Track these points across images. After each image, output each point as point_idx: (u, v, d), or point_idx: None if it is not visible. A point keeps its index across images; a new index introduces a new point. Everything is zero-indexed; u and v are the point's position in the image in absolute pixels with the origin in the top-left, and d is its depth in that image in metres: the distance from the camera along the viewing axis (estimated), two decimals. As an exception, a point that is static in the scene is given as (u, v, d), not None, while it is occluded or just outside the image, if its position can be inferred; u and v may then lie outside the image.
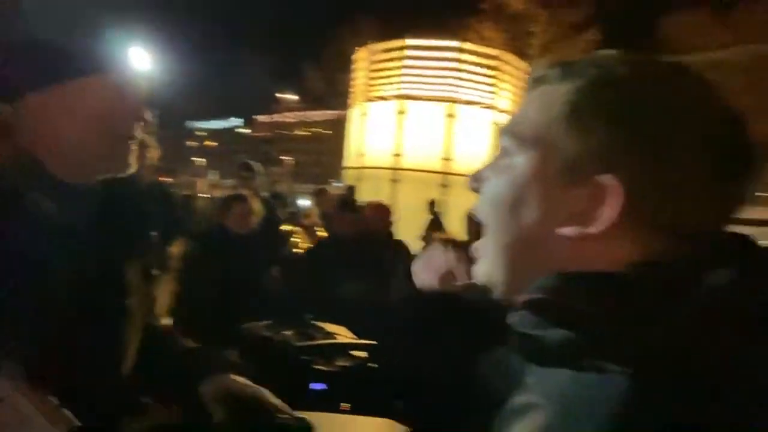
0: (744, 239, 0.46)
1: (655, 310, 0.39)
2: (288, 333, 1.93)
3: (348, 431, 1.23)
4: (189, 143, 67.74)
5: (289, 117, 61.57)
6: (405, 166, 8.54)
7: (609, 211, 0.45)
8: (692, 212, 0.45)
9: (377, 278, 3.02)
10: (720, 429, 0.37)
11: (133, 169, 1.00)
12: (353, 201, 4.15)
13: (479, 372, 1.04)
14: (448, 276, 1.11)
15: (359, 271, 3.06)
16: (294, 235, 4.54)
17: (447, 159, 8.40)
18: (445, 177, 8.36)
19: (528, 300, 0.46)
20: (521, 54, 17.03)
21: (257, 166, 4.51)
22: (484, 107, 8.75)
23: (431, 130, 8.54)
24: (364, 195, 7.12)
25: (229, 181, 10.70)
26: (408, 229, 5.25)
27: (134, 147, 0.98)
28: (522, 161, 0.50)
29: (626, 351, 0.40)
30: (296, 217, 5.19)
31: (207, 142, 69.55)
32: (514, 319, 0.47)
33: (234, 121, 72.04)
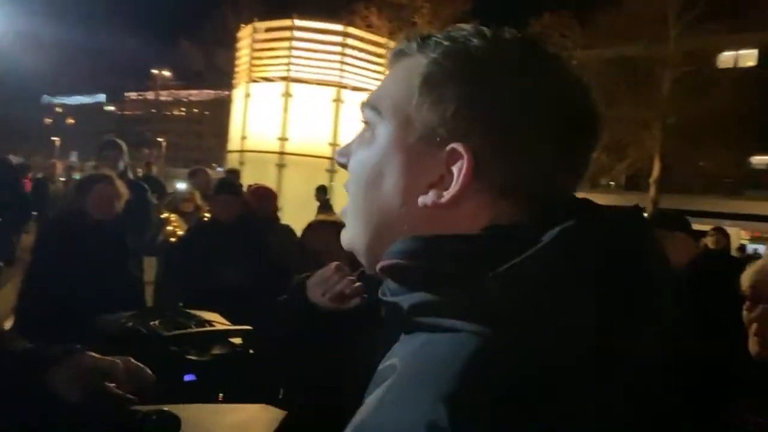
0: (588, 202, 0.49)
1: (501, 269, 0.40)
2: (156, 323, 1.75)
3: (222, 419, 1.17)
4: (46, 120, 60.50)
5: (163, 95, 57.37)
6: (291, 150, 8.33)
7: (460, 178, 0.46)
8: (539, 178, 0.47)
9: (259, 264, 2.89)
10: (567, 384, 0.38)
11: None
12: (234, 183, 3.90)
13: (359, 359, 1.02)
14: (338, 297, 1.18)
15: (239, 256, 2.89)
16: (172, 222, 4.18)
17: (335, 144, 8.32)
18: (333, 162, 8.28)
19: (383, 265, 0.48)
20: (406, 44, 17.47)
21: (123, 145, 4.05)
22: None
23: (318, 115, 8.41)
24: (249, 180, 6.83)
25: (92, 163, 9.69)
26: (297, 216, 5.11)
27: None
28: (382, 132, 0.51)
29: (476, 310, 0.41)
30: (174, 202, 4.78)
31: (70, 119, 62.56)
32: (381, 289, 0.50)
33: (100, 98, 65.52)
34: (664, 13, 19.68)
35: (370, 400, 0.45)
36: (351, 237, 0.54)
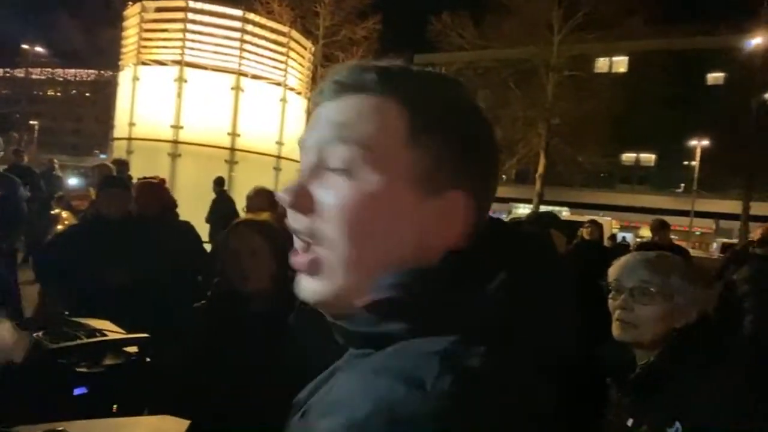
0: (500, 222, 0.57)
1: (489, 295, 0.47)
2: (39, 335, 1.59)
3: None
4: None
5: (36, 73, 51.59)
6: (186, 139, 7.88)
7: (460, 223, 0.51)
8: (487, 209, 0.54)
9: (150, 263, 2.69)
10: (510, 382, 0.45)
11: None
12: (121, 177, 3.61)
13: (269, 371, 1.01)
14: None
15: (126, 256, 2.66)
16: (64, 220, 3.79)
17: (234, 134, 8.01)
18: (232, 153, 7.97)
19: (377, 300, 0.48)
20: (308, 33, 17.21)
21: None
22: (273, 83, 8.57)
23: (216, 103, 8.03)
24: (139, 170, 6.37)
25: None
26: (193, 208, 4.86)
27: None
28: (369, 177, 0.49)
29: (451, 326, 0.45)
30: (64, 198, 4.32)
31: None
32: (353, 321, 0.50)
33: (-45, 72, 57.47)
34: (549, 19, 21.21)
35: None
36: (331, 287, 0.51)
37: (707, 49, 28.99)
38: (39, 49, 43.88)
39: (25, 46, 46.48)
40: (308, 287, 0.52)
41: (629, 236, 22.30)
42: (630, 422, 1.16)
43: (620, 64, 31.49)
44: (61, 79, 51.11)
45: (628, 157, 35.16)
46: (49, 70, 51.23)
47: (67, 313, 1.84)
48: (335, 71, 0.55)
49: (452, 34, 22.71)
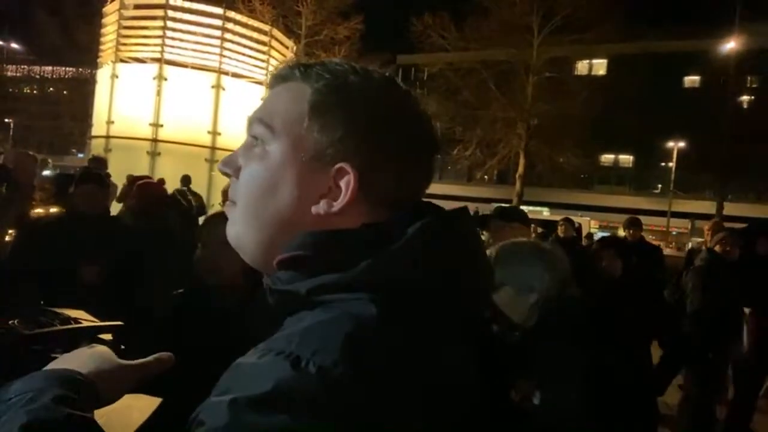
0: (431, 204, 0.62)
1: (382, 254, 0.53)
2: (15, 322, 1.60)
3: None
4: None
5: (11, 70, 50.45)
6: (166, 137, 7.83)
7: (347, 192, 0.57)
8: (401, 188, 0.60)
9: (125, 260, 2.73)
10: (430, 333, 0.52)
11: None
12: (99, 173, 3.60)
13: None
14: None
15: (102, 251, 2.69)
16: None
17: (214, 132, 7.98)
18: (212, 152, 7.94)
19: (283, 258, 0.56)
20: (290, 32, 17.15)
21: None
22: (254, 82, 8.55)
23: (196, 101, 7.99)
24: (118, 168, 6.32)
25: None
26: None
27: None
28: (276, 149, 0.59)
29: (368, 283, 0.52)
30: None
31: None
32: (269, 281, 0.59)
33: (-74, 68, 55.92)
34: (529, 22, 21.44)
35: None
36: (240, 237, 0.62)
37: (684, 52, 29.58)
38: (14, 45, 42.95)
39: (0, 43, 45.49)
40: (228, 234, 0.64)
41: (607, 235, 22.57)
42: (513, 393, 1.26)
43: (599, 66, 31.94)
44: (37, 76, 50.03)
45: (606, 158, 35.68)
46: (26, 67, 50.14)
47: (42, 302, 1.85)
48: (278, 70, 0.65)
49: (433, 35, 22.80)
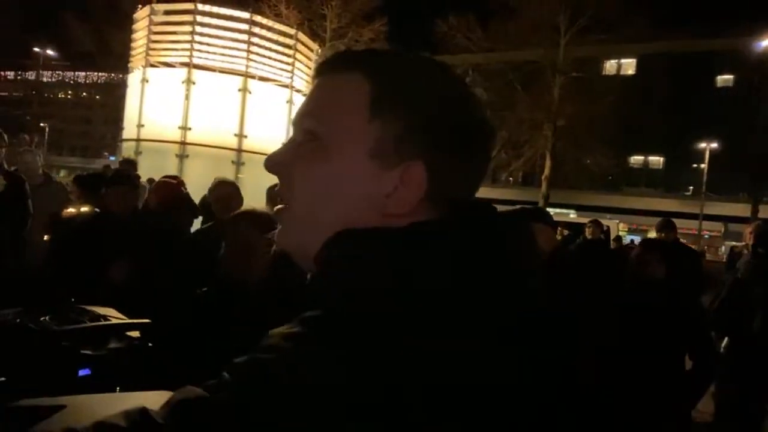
0: (485, 204, 0.58)
1: (404, 256, 0.50)
2: (46, 319, 1.66)
3: (118, 405, 1.15)
4: None
5: (46, 75, 52.13)
6: (194, 140, 7.97)
7: (416, 191, 0.53)
8: (463, 184, 0.57)
9: (156, 260, 2.80)
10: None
11: None
12: (129, 175, 3.69)
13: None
14: None
15: (133, 251, 2.77)
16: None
17: (240, 135, 8.09)
18: (239, 154, 8.04)
19: (326, 256, 0.53)
20: (315, 35, 17.31)
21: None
22: (280, 85, 8.64)
23: (223, 104, 8.11)
24: (147, 171, 6.45)
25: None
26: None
27: None
28: (334, 146, 0.54)
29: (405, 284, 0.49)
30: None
31: (-74, 98, 54.89)
32: (310, 284, 0.55)
33: (-33, 75, 58.12)
34: (556, 22, 21.18)
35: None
36: (297, 243, 0.58)
37: (717, 51, 28.82)
38: (50, 52, 44.35)
39: (36, 49, 47.01)
40: (278, 237, 0.60)
41: (638, 239, 22.16)
42: None
43: (628, 66, 31.37)
44: (71, 81, 51.59)
45: (636, 159, 34.98)
46: (60, 72, 51.75)
47: (73, 300, 1.90)
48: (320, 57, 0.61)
49: (458, 36, 22.73)
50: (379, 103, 0.54)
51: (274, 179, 0.62)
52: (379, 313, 0.47)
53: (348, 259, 0.51)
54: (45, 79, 52.36)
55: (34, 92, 52.19)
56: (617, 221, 17.26)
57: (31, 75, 53.24)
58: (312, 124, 0.56)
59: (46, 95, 51.86)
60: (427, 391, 0.44)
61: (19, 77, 54.52)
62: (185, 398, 0.49)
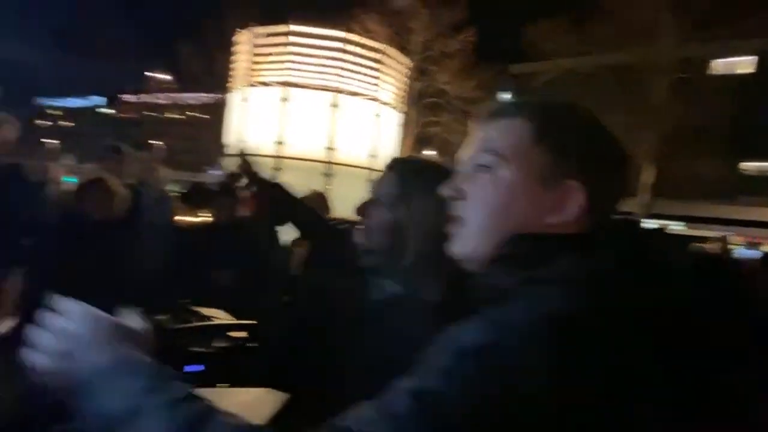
0: (628, 220, 0.74)
1: (569, 258, 0.66)
2: (162, 317, 1.81)
3: (226, 400, 1.21)
4: (39, 123, 60.23)
5: (160, 98, 57.29)
6: (287, 154, 8.35)
7: (575, 206, 0.68)
8: (607, 201, 0.71)
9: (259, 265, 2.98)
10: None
11: None
12: (232, 187, 3.96)
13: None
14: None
15: (233, 257, 2.98)
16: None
17: (330, 148, 8.36)
18: (328, 166, 8.32)
19: (500, 254, 0.69)
20: (402, 49, 17.56)
21: (127, 148, 4.10)
22: (368, 99, 8.85)
23: (315, 119, 8.44)
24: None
25: (88, 166, 9.65)
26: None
27: None
28: (507, 174, 0.70)
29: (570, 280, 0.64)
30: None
31: (64, 122, 62.29)
32: (485, 275, 0.72)
33: (95, 100, 65.31)
34: (658, 20, 19.84)
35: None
36: (472, 251, 0.74)
37: None
38: (163, 76, 48.76)
39: (151, 74, 51.88)
40: (455, 249, 0.76)
41: (757, 253, 20.03)
42: None
43: (745, 64, 28.63)
44: (182, 103, 56.21)
45: (751, 166, 31.71)
46: (172, 94, 56.60)
47: (187, 300, 2.06)
48: (486, 105, 0.81)
49: (549, 42, 22.00)
50: (541, 139, 0.70)
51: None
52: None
53: (530, 257, 0.66)
54: (158, 101, 57.52)
55: (149, 114, 57.53)
56: (731, 234, 15.71)
57: (147, 98, 58.75)
58: (486, 159, 0.73)
59: (159, 116, 56.95)
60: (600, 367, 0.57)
61: (136, 100, 60.35)
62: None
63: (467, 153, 0.76)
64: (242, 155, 2.10)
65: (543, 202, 0.68)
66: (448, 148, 21.58)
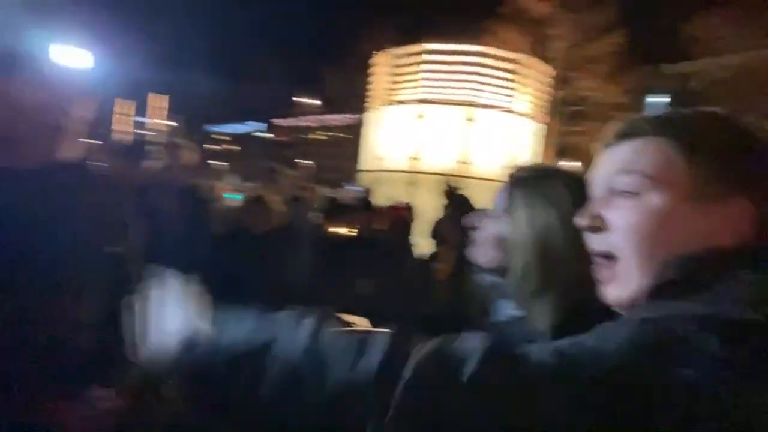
0: None
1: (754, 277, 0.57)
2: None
3: None
4: (207, 146, 68.58)
5: (308, 121, 62.05)
6: (422, 169, 8.53)
7: (745, 223, 0.60)
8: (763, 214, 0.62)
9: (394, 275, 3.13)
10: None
11: (72, 154, 1.18)
12: (366, 201, 4.26)
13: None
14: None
15: (376, 268, 3.16)
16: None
17: (464, 162, 8.37)
18: (463, 180, 8.33)
19: (661, 284, 0.61)
20: (542, 57, 16.97)
21: (284, 169, 4.66)
22: (503, 111, 8.72)
23: (449, 134, 8.53)
24: (381, 199, 7.13)
25: (249, 184, 10.78)
26: (425, 231, 5.24)
27: (70, 135, 1.16)
28: (658, 198, 0.63)
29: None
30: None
31: (226, 146, 70.44)
32: (632, 311, 0.63)
33: (252, 125, 72.80)
34: None
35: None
36: (634, 289, 0.64)
37: None
38: (310, 100, 52.87)
39: (299, 99, 56.57)
40: (612, 294, 0.67)
41: None
42: None
43: None
44: (327, 124, 60.28)
45: None
46: (319, 117, 61.03)
47: (332, 308, 2.23)
48: (616, 126, 0.71)
49: (711, 38, 19.67)
50: (689, 156, 0.62)
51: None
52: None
53: (708, 282, 0.57)
54: (307, 124, 62.37)
55: (297, 135, 62.62)
56: None
57: (296, 121, 64.06)
58: (630, 183, 0.65)
59: (305, 137, 61.71)
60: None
61: (286, 123, 66.06)
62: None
63: (600, 177, 0.69)
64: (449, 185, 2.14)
65: (706, 225, 0.61)
66: (591, 158, 20.23)
